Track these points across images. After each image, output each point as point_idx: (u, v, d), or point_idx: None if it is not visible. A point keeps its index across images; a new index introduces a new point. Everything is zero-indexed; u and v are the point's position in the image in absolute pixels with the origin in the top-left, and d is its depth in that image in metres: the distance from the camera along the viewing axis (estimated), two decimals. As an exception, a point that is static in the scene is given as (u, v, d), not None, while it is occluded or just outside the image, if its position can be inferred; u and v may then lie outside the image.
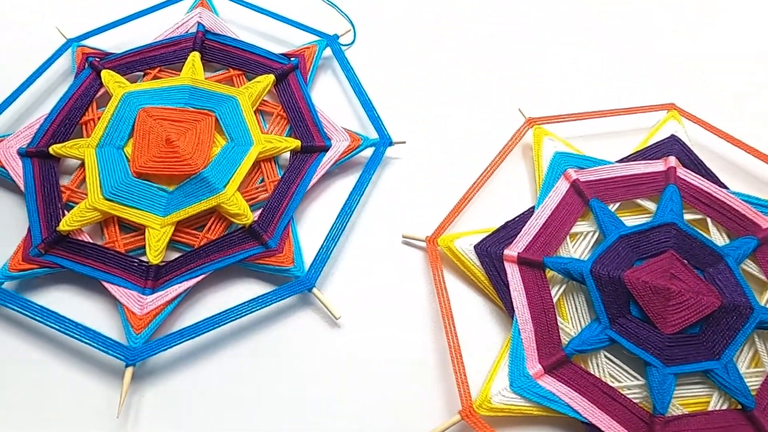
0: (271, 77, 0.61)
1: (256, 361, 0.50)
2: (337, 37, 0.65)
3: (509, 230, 0.53)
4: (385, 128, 0.58)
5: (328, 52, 0.65)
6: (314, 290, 0.51)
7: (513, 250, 0.52)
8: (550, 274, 0.51)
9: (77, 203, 0.55)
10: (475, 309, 0.52)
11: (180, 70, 0.63)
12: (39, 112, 0.62)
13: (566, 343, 0.48)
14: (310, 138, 0.59)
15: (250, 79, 0.63)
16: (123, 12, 0.67)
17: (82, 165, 0.57)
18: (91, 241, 0.53)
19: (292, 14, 0.67)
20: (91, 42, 0.65)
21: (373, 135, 0.59)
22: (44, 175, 0.56)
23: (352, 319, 0.52)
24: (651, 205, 0.55)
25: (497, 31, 0.69)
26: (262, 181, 0.57)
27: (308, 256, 0.53)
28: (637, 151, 0.57)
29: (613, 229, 0.52)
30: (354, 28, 0.67)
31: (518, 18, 0.71)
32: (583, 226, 0.54)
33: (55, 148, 0.56)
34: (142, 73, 0.63)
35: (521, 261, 0.51)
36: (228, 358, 0.50)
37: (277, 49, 0.65)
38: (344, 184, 0.58)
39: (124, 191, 0.54)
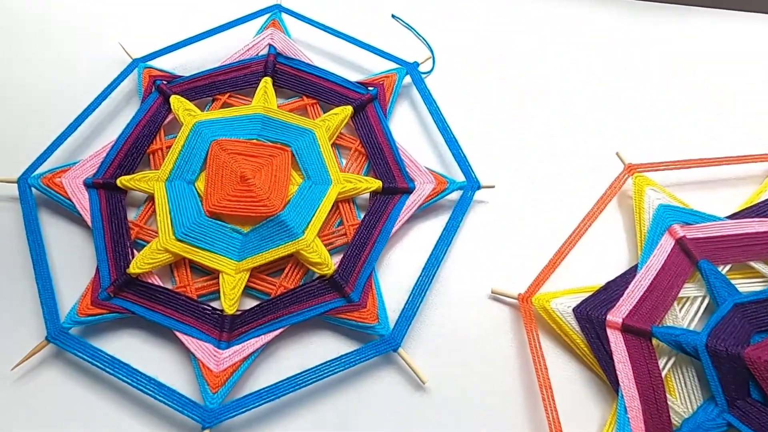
0: (349, 109, 0.57)
1: (336, 422, 0.47)
2: (417, 65, 0.61)
3: (611, 292, 0.49)
4: (472, 170, 0.54)
5: (406, 80, 0.62)
6: (400, 351, 0.47)
7: (617, 316, 0.47)
8: (656, 342, 0.47)
9: (146, 241, 0.53)
10: (572, 376, 0.48)
11: (251, 95, 0.60)
12: (103, 136, 0.59)
13: (678, 425, 0.44)
14: (392, 178, 0.55)
15: (325, 109, 0.59)
16: (189, 29, 0.63)
17: (151, 198, 0.54)
18: (161, 284, 0.50)
19: (362, 35, 0.63)
20: (156, 62, 0.62)
21: (458, 176, 0.55)
22: (111, 209, 0.53)
23: (438, 381, 0.48)
24: (766, 269, 0.50)
25: (595, 68, 0.64)
26: (340, 223, 0.53)
27: (389, 307, 0.50)
28: (750, 206, 0.53)
29: (726, 296, 0.48)
30: (433, 55, 0.63)
31: (618, 56, 0.65)
32: (691, 290, 0.49)
33: (123, 181, 0.53)
34: (211, 99, 0.60)
35: (626, 329, 0.47)
36: (305, 420, 0.47)
37: (350, 75, 0.61)
38: (426, 227, 0.54)
39: (196, 232, 0.51)
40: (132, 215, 0.54)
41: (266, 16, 0.63)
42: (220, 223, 0.51)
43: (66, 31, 0.64)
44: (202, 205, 0.52)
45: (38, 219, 0.53)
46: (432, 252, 0.50)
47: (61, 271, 0.53)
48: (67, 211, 0.54)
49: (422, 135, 0.59)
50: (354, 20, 0.66)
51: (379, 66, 0.62)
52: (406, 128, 0.59)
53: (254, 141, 0.55)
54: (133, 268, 0.50)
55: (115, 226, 0.52)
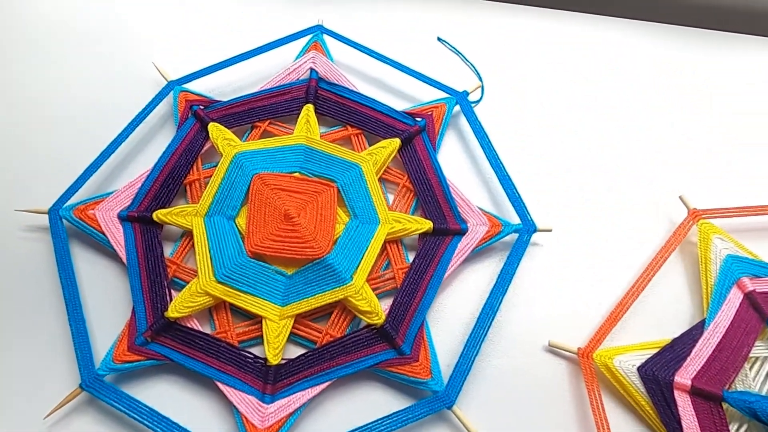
0: (397, 142, 0.54)
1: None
2: (467, 94, 0.58)
3: (677, 350, 0.46)
4: (528, 212, 0.51)
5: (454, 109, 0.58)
6: (454, 408, 0.45)
7: (685, 377, 0.45)
8: (726, 405, 0.44)
9: (184, 280, 0.50)
10: (635, 438, 0.46)
11: (291, 122, 0.57)
12: (138, 162, 0.56)
13: (752, 499, 0.42)
14: (443, 218, 0.52)
15: (370, 140, 0.56)
16: (226, 50, 0.60)
17: (188, 233, 0.52)
18: (200, 329, 0.48)
19: (406, 57, 0.60)
20: (192, 85, 0.58)
21: (512, 216, 0.52)
22: (147, 244, 0.51)
23: (492, 440, 0.46)
24: (841, 328, 0.48)
25: (657, 103, 0.60)
26: (388, 266, 0.51)
27: (441, 357, 0.47)
28: (824, 259, 0.50)
29: (801, 357, 0.45)
30: (482, 83, 0.60)
31: (683, 92, 0.61)
32: (762, 349, 0.47)
33: (159, 215, 0.51)
34: (250, 126, 0.57)
35: (695, 392, 0.44)
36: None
37: (395, 102, 0.58)
38: (476, 270, 0.51)
39: (237, 273, 0.48)
40: (168, 250, 0.52)
41: (307, 37, 0.60)
42: (262, 264, 0.49)
43: (98, 51, 0.61)
44: (243, 243, 0.49)
45: (70, 253, 0.50)
46: (487, 301, 0.48)
47: (94, 310, 0.50)
48: (101, 245, 0.51)
49: (471, 170, 0.56)
50: (397, 41, 0.63)
51: (425, 93, 0.59)
52: (454, 161, 0.56)
53: (298, 175, 0.52)
54: (172, 312, 0.47)
55: (151, 264, 0.50)
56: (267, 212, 0.50)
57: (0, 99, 0.58)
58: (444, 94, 0.58)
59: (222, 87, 0.60)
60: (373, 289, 0.49)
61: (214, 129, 0.54)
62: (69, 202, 0.52)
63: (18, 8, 0.63)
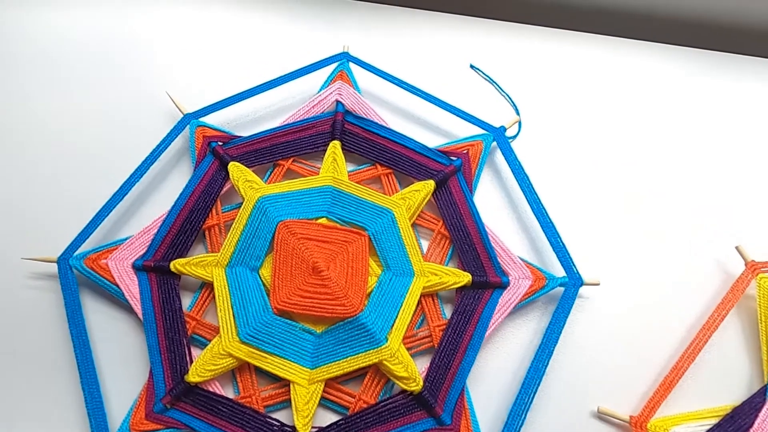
0: (432, 184, 0.50)
1: None
2: (504, 129, 0.54)
3: (738, 421, 0.43)
4: (573, 263, 0.48)
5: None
6: (499, 484, 0.42)
7: (748, 453, 0.42)
8: (790, 483, 0.41)
9: (205, 338, 0.46)
10: None
11: (316, 158, 0.53)
12: (152, 202, 0.52)
13: None
14: (482, 270, 0.48)
15: (401, 180, 0.52)
16: (244, 80, 0.55)
17: (208, 284, 0.48)
18: (222, 392, 0.44)
19: (435, 85, 0.56)
20: (209, 117, 0.54)
21: (556, 268, 0.48)
22: (164, 297, 0.47)
23: None
24: None
25: (711, 146, 0.56)
26: (423, 322, 0.47)
27: (482, 426, 0.44)
28: None
29: None
30: (519, 115, 0.56)
31: (739, 135, 0.56)
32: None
33: (177, 266, 0.47)
34: (272, 163, 0.53)
35: (760, 470, 0.41)
36: None
37: (425, 137, 0.54)
38: (518, 325, 0.48)
39: (263, 333, 0.45)
40: (186, 301, 0.48)
41: (332, 66, 0.57)
42: (289, 322, 0.45)
43: (109, 81, 0.57)
44: (268, 298, 0.46)
45: (81, 307, 0.47)
46: (532, 364, 0.44)
47: (108, 367, 0.47)
48: (113, 296, 0.48)
49: (509, 213, 0.52)
50: (427, 67, 0.59)
51: (458, 127, 0.55)
52: (490, 203, 0.52)
53: (326, 222, 0.49)
54: (192, 376, 0.44)
55: (168, 319, 0.46)
56: (294, 264, 0.46)
57: (5, 134, 0.54)
58: (479, 130, 0.54)
59: (241, 118, 0.56)
60: (408, 349, 0.46)
61: (235, 169, 0.50)
62: (79, 250, 0.48)
63: (27, 38, 0.58)
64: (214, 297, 0.47)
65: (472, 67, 0.59)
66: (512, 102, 0.57)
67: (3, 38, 0.57)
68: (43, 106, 0.55)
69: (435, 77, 0.58)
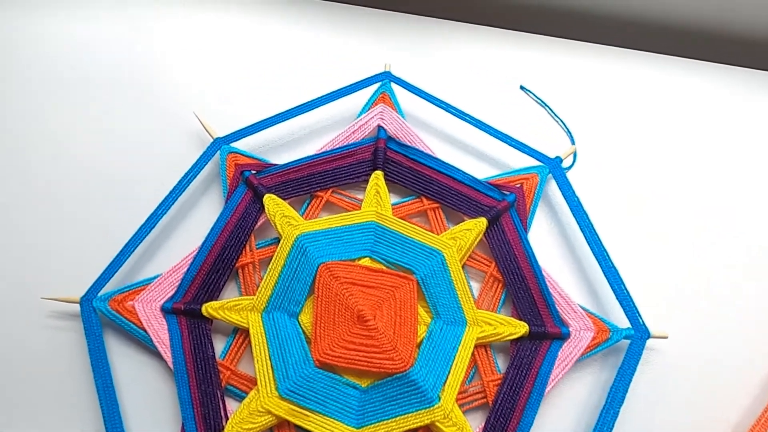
0: (484, 222, 0.46)
1: None
2: (560, 161, 0.50)
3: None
4: (639, 314, 0.44)
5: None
6: None
7: None
8: None
9: (240, 390, 0.43)
10: None
11: (356, 188, 0.49)
12: (179, 234, 0.48)
13: None
14: (539, 319, 0.45)
15: (449, 216, 0.48)
16: (278, 99, 0.51)
17: (242, 330, 0.45)
18: (261, 452, 0.41)
19: (482, 109, 0.52)
20: (241, 142, 0.50)
21: (618, 317, 0.45)
22: (196, 343, 0.43)
23: None
24: None
25: None
26: (475, 375, 0.44)
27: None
28: None
29: None
30: (573, 142, 0.52)
31: None
32: None
33: (210, 310, 0.43)
34: (309, 195, 0.49)
35: None
36: None
37: (474, 166, 0.50)
38: (577, 378, 0.44)
39: (304, 388, 0.41)
40: (218, 346, 0.45)
41: (374, 86, 0.52)
42: (333, 376, 0.42)
43: (132, 101, 0.52)
44: (309, 348, 0.43)
45: (106, 352, 0.43)
46: (596, 427, 0.41)
47: (134, 417, 0.43)
48: (141, 341, 0.44)
49: (565, 254, 0.48)
50: (473, 86, 0.54)
51: (507, 155, 0.51)
52: (543, 242, 0.48)
53: (369, 262, 0.45)
54: (229, 435, 0.41)
55: (201, 369, 0.43)
56: (336, 312, 0.43)
57: (22, 163, 0.50)
58: (530, 159, 0.50)
59: (273, 141, 0.52)
60: (460, 405, 0.42)
61: (271, 203, 0.46)
62: (103, 290, 0.45)
63: (41, 54, 0.54)
64: (249, 344, 0.44)
65: (522, 88, 0.55)
66: (567, 129, 0.53)
67: (17, 56, 0.53)
68: (61, 132, 0.51)
69: (480, 97, 0.54)
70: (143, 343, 0.44)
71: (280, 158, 0.51)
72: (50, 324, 0.45)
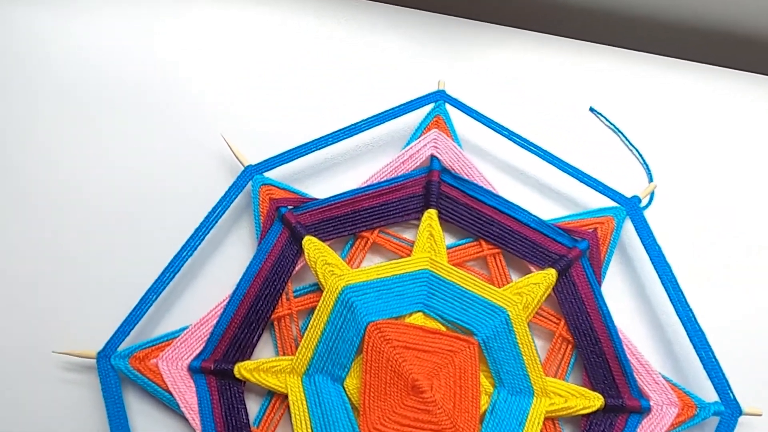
0: (553, 274, 0.41)
1: None
2: (638, 200, 0.44)
3: None
4: (730, 388, 0.39)
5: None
6: None
7: None
8: None
9: (278, 463, 0.39)
10: None
11: (404, 227, 0.44)
12: (205, 277, 0.42)
13: None
14: (614, 390, 0.39)
15: (511, 263, 0.43)
16: (315, 120, 0.46)
17: (279, 394, 0.40)
18: None
19: (541, 130, 0.46)
20: (275, 172, 0.44)
21: (704, 388, 0.39)
22: (227, 410, 0.38)
23: None
24: None
25: None
26: (542, 451, 0.39)
27: None
28: None
29: None
30: (651, 179, 0.46)
31: None
32: None
33: (244, 371, 0.38)
34: (353, 235, 0.44)
35: None
36: None
37: (534, 203, 0.44)
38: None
39: (351, 466, 0.37)
40: (252, 409, 0.40)
41: (426, 108, 0.46)
42: (384, 453, 0.37)
43: (149, 123, 0.46)
44: (356, 420, 0.38)
45: (126, 414, 0.38)
46: None
47: (159, 490, 0.39)
48: (163, 402, 0.39)
49: (641, 310, 0.42)
50: (526, 102, 0.48)
51: (574, 191, 0.45)
52: (616, 298, 0.42)
53: (422, 318, 0.40)
54: None
55: (234, 438, 0.38)
56: (388, 380, 0.38)
57: (27, 200, 0.44)
58: (602, 199, 0.44)
59: (307, 168, 0.45)
60: (525, 486, 0.38)
61: (312, 247, 0.41)
62: (123, 345, 0.40)
63: (47, 67, 0.47)
64: (287, 409, 0.39)
65: (592, 110, 0.48)
66: (644, 162, 0.47)
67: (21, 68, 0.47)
68: (64, 167, 0.45)
69: (535, 117, 0.48)
70: (166, 404, 0.40)
71: (315, 188, 0.45)
72: (62, 377, 0.40)
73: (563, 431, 0.39)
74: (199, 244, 0.41)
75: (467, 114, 0.45)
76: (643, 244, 0.42)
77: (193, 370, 0.39)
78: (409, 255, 0.42)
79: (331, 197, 0.43)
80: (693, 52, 0.50)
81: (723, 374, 0.39)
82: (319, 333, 0.39)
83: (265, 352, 0.41)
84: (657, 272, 0.41)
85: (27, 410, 0.40)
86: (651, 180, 0.46)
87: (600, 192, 0.43)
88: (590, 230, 0.43)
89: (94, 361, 0.39)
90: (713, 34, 0.54)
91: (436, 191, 0.43)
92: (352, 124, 0.44)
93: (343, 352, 0.39)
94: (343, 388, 0.38)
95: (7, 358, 0.41)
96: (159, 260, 0.41)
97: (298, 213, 0.42)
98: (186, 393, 0.39)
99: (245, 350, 0.40)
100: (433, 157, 0.44)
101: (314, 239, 0.41)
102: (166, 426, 0.40)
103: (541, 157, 0.44)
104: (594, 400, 0.38)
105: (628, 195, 0.43)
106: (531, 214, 0.43)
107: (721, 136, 0.48)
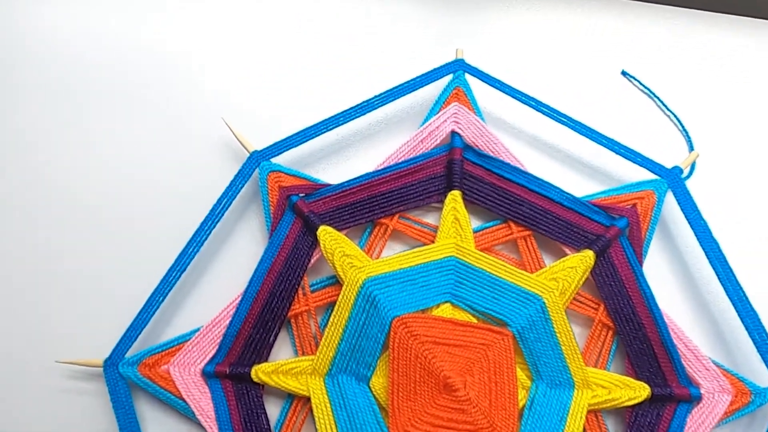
0: (591, 256, 0.37)
1: None
2: (680, 171, 0.40)
3: None
4: (787, 372, 0.36)
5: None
6: None
7: None
8: None
9: (303, 469, 0.37)
10: None
11: (425, 211, 0.41)
12: (212, 272, 0.39)
13: None
14: (661, 378, 0.36)
15: (544, 246, 0.39)
16: (324, 101, 0.42)
17: (300, 397, 0.37)
18: None
19: (572, 99, 0.43)
20: (282, 157, 0.40)
21: (757, 372, 0.37)
22: (246, 416, 0.36)
23: None
24: None
25: None
26: (584, 445, 0.37)
27: None
28: None
29: None
30: (691, 147, 0.42)
31: None
32: None
33: (261, 375, 0.36)
34: (370, 223, 0.40)
35: None
36: None
37: (567, 180, 0.41)
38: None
39: (382, 471, 0.34)
40: (273, 414, 0.37)
41: (445, 80, 0.42)
42: (416, 456, 0.35)
43: (147, 106, 0.42)
44: (384, 422, 0.35)
45: (138, 424, 0.36)
46: None
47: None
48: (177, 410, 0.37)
49: (686, 291, 0.39)
50: (555, 68, 0.44)
51: (610, 164, 0.41)
52: (660, 278, 0.39)
53: (451, 309, 0.37)
54: None
55: (254, 445, 0.36)
56: (417, 379, 0.35)
57: (22, 202, 0.41)
58: (641, 171, 0.40)
59: (317, 152, 0.42)
60: (568, 484, 0.36)
61: (328, 238, 0.38)
62: (131, 351, 0.37)
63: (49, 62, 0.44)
64: (309, 412, 0.36)
65: (624, 74, 0.44)
66: (683, 128, 0.43)
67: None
68: (66, 156, 0.41)
69: (564, 84, 0.44)
70: (183, 413, 0.37)
71: (328, 173, 0.42)
72: (69, 387, 0.38)
73: (606, 424, 0.37)
74: (206, 239, 0.38)
75: (490, 84, 0.41)
76: (687, 219, 0.38)
77: (208, 375, 0.36)
78: (432, 241, 0.39)
79: (345, 182, 0.39)
80: (736, 4, 0.45)
81: (780, 358, 0.36)
82: (340, 330, 0.36)
83: (282, 352, 0.38)
84: (703, 249, 0.38)
85: (33, 422, 0.37)
86: (692, 148, 0.42)
87: (638, 164, 0.40)
88: (629, 206, 0.39)
89: (101, 369, 0.37)
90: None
91: (459, 171, 0.39)
92: (363, 101, 0.40)
93: (368, 350, 0.36)
94: (369, 388, 0.36)
95: (10, 368, 0.38)
96: (164, 259, 0.38)
97: (310, 201, 0.39)
98: (201, 400, 0.36)
99: (262, 351, 0.37)
100: (454, 133, 0.40)
101: (330, 229, 0.38)
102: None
103: (571, 128, 0.40)
104: (640, 390, 0.36)
105: (668, 166, 0.40)
106: (563, 192, 0.39)
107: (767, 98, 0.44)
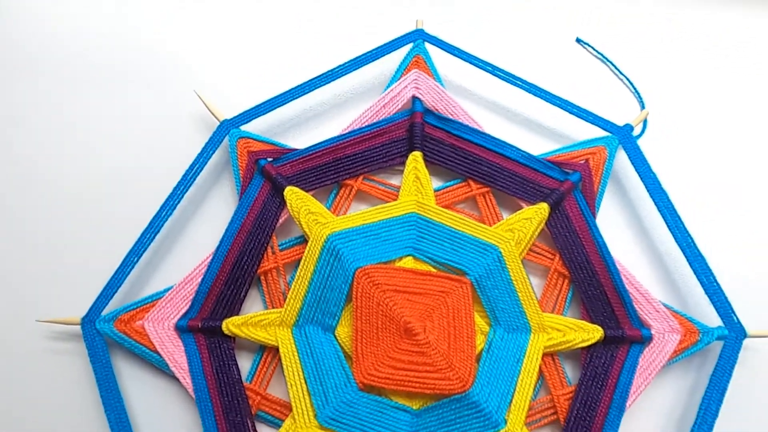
0: (545, 208, 0.39)
1: None
2: (631, 129, 0.42)
3: None
4: (734, 312, 0.38)
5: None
6: None
7: None
8: None
9: (273, 416, 0.37)
10: None
11: (389, 173, 0.43)
12: (186, 236, 0.41)
13: None
14: (614, 321, 0.38)
15: (501, 202, 0.41)
16: (290, 71, 0.44)
17: (270, 348, 0.39)
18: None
19: (529, 65, 0.45)
20: (251, 125, 0.42)
21: (706, 313, 0.38)
22: (218, 367, 0.37)
23: None
24: None
25: None
26: (541, 389, 0.38)
27: None
28: None
29: None
30: (643, 106, 0.44)
31: None
32: None
33: (232, 327, 0.37)
34: (337, 184, 0.43)
35: None
36: None
37: (524, 140, 0.42)
38: (660, 385, 0.38)
39: (347, 414, 0.35)
40: (244, 367, 0.39)
41: (405, 49, 0.44)
42: (379, 399, 0.36)
43: (122, 78, 0.44)
44: (350, 368, 0.37)
45: (116, 379, 0.37)
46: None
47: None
48: (153, 364, 0.38)
49: (638, 241, 0.41)
50: (512, 39, 0.47)
51: (565, 124, 0.43)
52: (612, 229, 0.41)
53: (413, 262, 0.39)
54: (265, 473, 0.36)
55: (227, 396, 0.37)
56: (380, 325, 0.37)
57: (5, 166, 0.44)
58: (592, 129, 0.42)
59: (287, 121, 0.44)
60: (527, 425, 0.37)
61: (294, 197, 0.39)
62: (107, 309, 0.38)
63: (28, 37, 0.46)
64: (279, 363, 0.38)
65: (578, 41, 0.46)
66: (635, 89, 0.45)
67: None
68: (40, 127, 0.43)
69: (524, 52, 0.46)
70: (158, 366, 0.39)
71: (297, 141, 0.43)
72: (48, 347, 0.40)
73: (563, 366, 0.38)
74: (178, 202, 0.40)
75: (448, 52, 0.43)
76: (638, 173, 0.40)
77: (181, 330, 0.38)
78: (396, 201, 0.41)
79: (311, 146, 0.41)
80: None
81: (725, 298, 0.38)
82: (306, 283, 0.38)
83: (254, 308, 0.40)
84: (653, 200, 0.39)
85: (14, 382, 0.39)
86: (643, 107, 0.44)
87: (590, 122, 0.42)
88: (582, 162, 0.41)
89: (80, 327, 0.38)
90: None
91: (420, 133, 0.41)
92: (328, 70, 0.42)
93: (332, 301, 0.37)
94: (335, 336, 0.37)
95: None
96: (139, 222, 0.39)
97: (278, 165, 0.41)
98: (175, 353, 0.38)
99: (233, 306, 0.39)
100: (414, 98, 0.42)
101: (296, 189, 0.40)
102: (157, 388, 0.39)
103: (526, 91, 0.42)
104: (593, 332, 0.37)
105: (620, 124, 0.42)
106: (520, 150, 0.41)
107: (714, 60, 0.46)
